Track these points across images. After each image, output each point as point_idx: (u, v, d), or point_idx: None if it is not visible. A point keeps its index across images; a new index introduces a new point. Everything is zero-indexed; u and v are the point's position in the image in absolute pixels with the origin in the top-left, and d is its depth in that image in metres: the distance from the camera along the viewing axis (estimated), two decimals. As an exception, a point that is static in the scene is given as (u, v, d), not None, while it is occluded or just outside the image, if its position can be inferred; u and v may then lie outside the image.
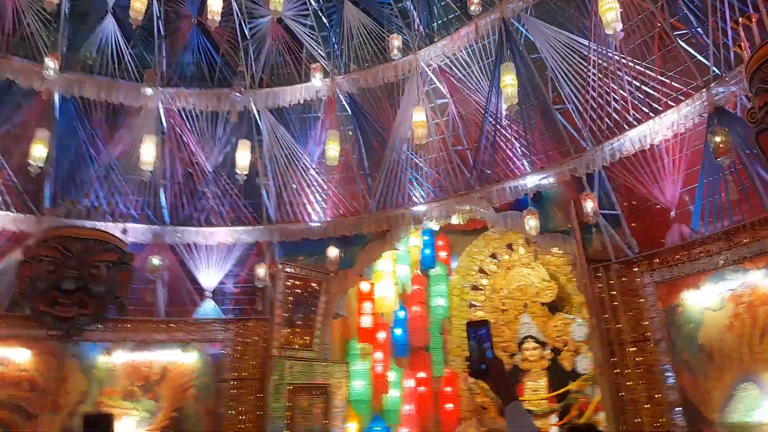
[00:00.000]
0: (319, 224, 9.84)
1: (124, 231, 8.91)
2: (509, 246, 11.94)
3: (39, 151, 8.02)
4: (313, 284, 9.73)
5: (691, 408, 6.07)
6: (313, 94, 9.76)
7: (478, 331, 2.09)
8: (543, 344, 10.87)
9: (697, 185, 6.76)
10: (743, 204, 6.30)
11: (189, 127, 9.81)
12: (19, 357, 7.91)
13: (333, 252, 9.52)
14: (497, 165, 8.61)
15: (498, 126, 8.47)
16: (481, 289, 12.11)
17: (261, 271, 9.39)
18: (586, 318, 10.46)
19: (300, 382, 8.94)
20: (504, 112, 8.26)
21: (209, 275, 9.58)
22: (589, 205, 7.52)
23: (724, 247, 6.08)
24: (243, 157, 8.92)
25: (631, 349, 6.70)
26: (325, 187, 9.95)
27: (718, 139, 6.24)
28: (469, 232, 12.07)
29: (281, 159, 9.89)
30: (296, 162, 9.91)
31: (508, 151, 8.54)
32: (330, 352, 9.79)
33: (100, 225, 8.81)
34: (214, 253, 9.66)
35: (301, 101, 9.84)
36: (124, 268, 8.33)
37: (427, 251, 12.18)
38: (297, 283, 9.57)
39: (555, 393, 10.51)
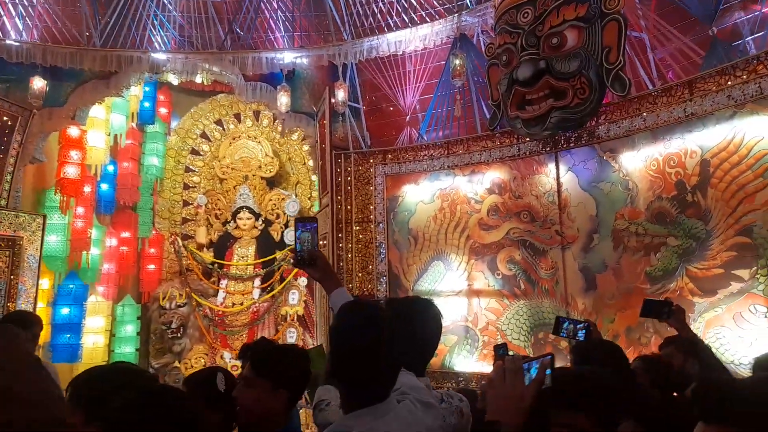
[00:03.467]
0: (19, 44, 7.85)
1: None
2: (237, 116, 11.71)
3: None
4: (5, 118, 7.89)
5: (394, 278, 7.49)
6: None
7: (311, 224, 2.22)
8: (257, 215, 11.37)
9: (431, 97, 7.89)
10: (461, 120, 7.69)
11: None
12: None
13: (38, 83, 7.85)
14: (256, 31, 8.23)
15: (266, -11, 8.02)
16: (201, 155, 11.76)
17: (-77, 89, 7.14)
18: (300, 195, 11.43)
19: (-21, 233, 7.50)
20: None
21: None
22: (341, 94, 7.99)
23: (443, 153, 7.39)
24: None
25: (355, 228, 7.73)
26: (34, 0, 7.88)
27: (457, 62, 7.33)
28: (195, 93, 11.33)
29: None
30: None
31: (270, 20, 8.21)
32: (21, 202, 8.31)
33: None
34: None
35: None
36: None
37: (147, 104, 10.96)
38: (-19, 113, 7.64)
39: (261, 260, 11.28)
